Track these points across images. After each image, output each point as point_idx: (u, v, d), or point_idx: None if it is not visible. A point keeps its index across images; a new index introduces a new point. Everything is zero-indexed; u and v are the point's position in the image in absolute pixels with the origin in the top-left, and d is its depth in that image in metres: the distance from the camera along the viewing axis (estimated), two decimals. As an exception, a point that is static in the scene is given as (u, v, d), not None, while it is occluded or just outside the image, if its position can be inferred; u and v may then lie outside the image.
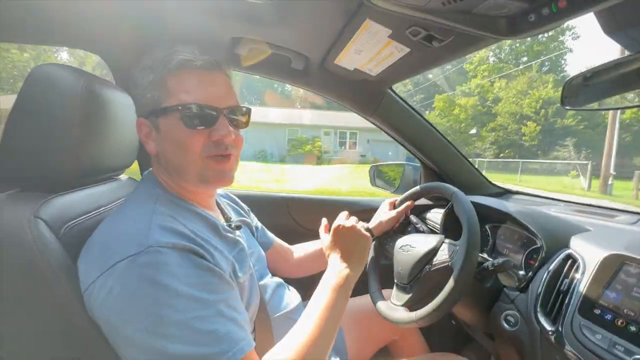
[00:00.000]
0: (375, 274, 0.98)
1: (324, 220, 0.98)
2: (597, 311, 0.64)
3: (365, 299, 0.99)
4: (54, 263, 0.54)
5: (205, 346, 0.49)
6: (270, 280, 0.88)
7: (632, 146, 20.24)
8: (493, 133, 24.44)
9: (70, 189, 0.67)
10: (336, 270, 0.73)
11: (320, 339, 0.60)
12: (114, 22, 0.89)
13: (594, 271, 0.69)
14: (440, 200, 1.37)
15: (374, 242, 1.03)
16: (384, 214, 1.02)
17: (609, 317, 0.62)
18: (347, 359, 0.97)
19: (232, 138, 0.66)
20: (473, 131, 25.61)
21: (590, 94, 0.67)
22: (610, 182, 11.99)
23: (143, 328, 0.48)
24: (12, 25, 0.85)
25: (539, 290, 0.75)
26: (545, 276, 0.76)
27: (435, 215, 1.24)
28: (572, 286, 0.70)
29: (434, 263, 0.79)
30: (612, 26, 0.54)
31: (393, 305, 0.84)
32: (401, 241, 0.90)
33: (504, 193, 1.44)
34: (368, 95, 1.21)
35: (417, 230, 1.01)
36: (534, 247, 0.88)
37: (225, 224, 0.73)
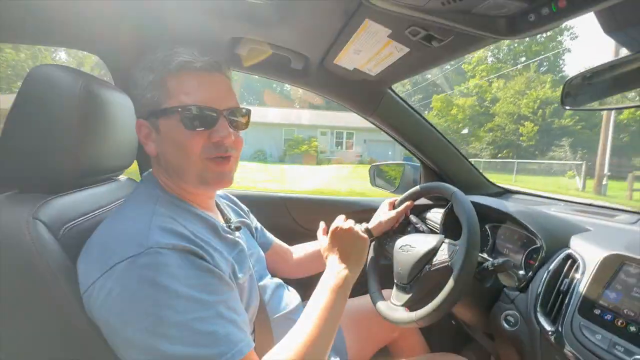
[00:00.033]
0: (375, 274, 0.98)
1: (322, 224, 0.98)
2: (597, 311, 0.64)
3: (365, 299, 0.99)
4: (52, 264, 0.53)
5: (204, 347, 0.49)
6: (270, 281, 0.88)
7: (629, 146, 20.30)
8: (491, 133, 24.46)
9: (69, 190, 0.66)
10: (334, 272, 0.73)
11: (319, 339, 0.60)
12: (113, 22, 0.89)
13: (594, 271, 0.69)
14: (440, 200, 1.37)
15: (373, 242, 1.03)
16: (383, 214, 1.02)
17: (609, 317, 0.62)
18: (347, 359, 0.97)
19: (232, 139, 0.66)
20: (465, 131, 25.63)
21: (590, 94, 0.67)
22: (604, 182, 12.03)
23: (143, 329, 0.48)
24: (11, 25, 0.84)
25: (539, 290, 0.75)
26: (545, 276, 0.76)
27: (435, 215, 1.24)
28: (572, 286, 0.70)
29: (433, 263, 0.79)
30: (612, 26, 0.54)
31: (393, 305, 0.84)
32: (401, 241, 0.89)
33: (504, 193, 1.44)
34: (368, 95, 1.21)
35: (417, 230, 1.01)
36: (534, 247, 0.88)
37: (224, 225, 0.73)
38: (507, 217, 0.98)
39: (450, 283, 0.70)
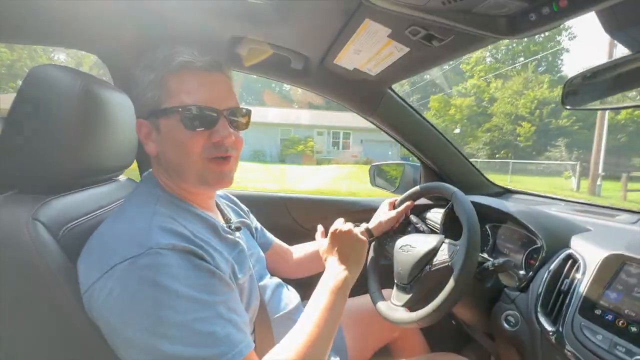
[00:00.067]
0: (375, 274, 0.98)
1: (320, 227, 0.99)
2: (598, 311, 0.64)
3: (365, 298, 0.99)
4: (52, 265, 0.53)
5: (204, 348, 0.49)
6: (270, 281, 0.88)
7: (627, 146, 20.38)
8: (488, 134, 24.47)
9: (69, 191, 0.66)
10: (334, 273, 0.73)
11: (319, 339, 0.61)
12: (113, 22, 0.89)
13: (595, 271, 0.68)
14: (440, 200, 1.37)
15: (373, 242, 1.02)
16: (383, 214, 1.02)
17: (609, 317, 0.62)
18: (347, 358, 0.96)
19: (232, 140, 0.66)
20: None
21: (591, 93, 0.67)
22: (598, 183, 12.02)
23: (143, 329, 0.48)
24: (11, 25, 0.84)
25: (540, 290, 0.75)
26: (545, 276, 0.76)
27: (435, 215, 1.24)
28: (573, 286, 0.70)
29: (434, 263, 0.79)
30: (613, 25, 0.54)
31: (393, 305, 0.84)
32: (401, 241, 0.89)
33: (504, 193, 1.45)
34: (368, 95, 1.21)
35: (417, 230, 1.01)
36: (535, 246, 0.88)
37: (225, 225, 0.73)
38: (508, 217, 0.97)
39: (451, 283, 0.70)
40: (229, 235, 0.70)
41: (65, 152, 0.61)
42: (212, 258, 0.58)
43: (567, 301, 0.69)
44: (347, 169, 16.23)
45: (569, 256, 0.77)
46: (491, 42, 0.75)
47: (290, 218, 1.45)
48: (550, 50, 27.16)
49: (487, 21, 0.64)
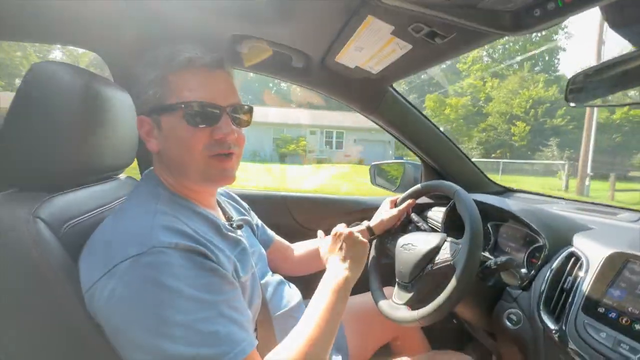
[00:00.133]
0: (377, 273, 0.98)
1: (320, 232, 1.01)
2: (601, 309, 0.64)
3: (367, 297, 0.99)
4: (53, 263, 0.52)
5: (207, 347, 0.48)
6: (271, 279, 0.88)
7: (622, 146, 20.54)
8: (484, 133, 24.54)
9: (70, 188, 0.65)
10: (335, 273, 0.73)
11: (320, 339, 0.61)
12: (113, 20, 0.88)
13: (598, 269, 0.68)
14: (441, 199, 1.37)
15: (375, 241, 1.02)
16: (385, 213, 1.02)
17: (613, 315, 0.62)
18: (349, 356, 0.96)
19: (235, 136, 0.65)
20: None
21: (594, 91, 0.67)
22: (587, 182, 12.03)
23: (145, 328, 0.47)
24: (11, 23, 0.84)
25: (542, 288, 0.75)
26: (548, 274, 0.76)
27: (437, 214, 1.24)
28: (576, 284, 0.70)
29: (435, 262, 0.78)
30: (618, 21, 0.54)
31: (395, 304, 0.83)
32: (402, 240, 0.89)
33: (505, 191, 1.45)
34: (369, 93, 1.21)
35: (419, 229, 1.01)
36: (537, 245, 0.88)
37: (226, 223, 0.73)
38: (510, 216, 0.97)
39: (453, 282, 0.69)
40: (231, 234, 0.70)
41: (66, 149, 0.60)
42: (216, 256, 0.57)
43: (570, 299, 0.69)
44: (341, 168, 16.07)
45: (572, 254, 0.77)
46: (495, 38, 0.75)
47: (291, 217, 1.44)
48: (547, 45, 27.25)
49: (491, 17, 0.63)
